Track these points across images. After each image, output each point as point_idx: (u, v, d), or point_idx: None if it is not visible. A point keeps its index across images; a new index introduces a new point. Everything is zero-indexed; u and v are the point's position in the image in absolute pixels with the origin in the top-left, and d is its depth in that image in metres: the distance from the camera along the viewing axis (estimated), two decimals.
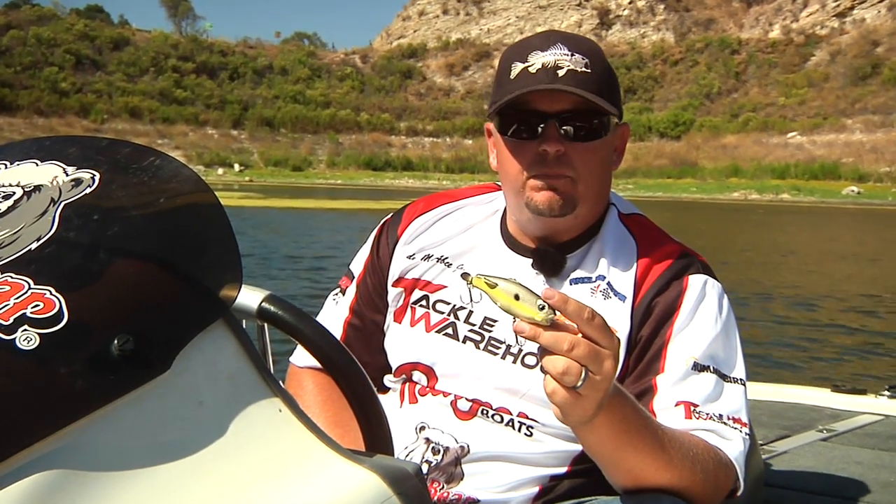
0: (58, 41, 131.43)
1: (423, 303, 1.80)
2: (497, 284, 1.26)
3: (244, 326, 1.12)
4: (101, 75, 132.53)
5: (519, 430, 1.67)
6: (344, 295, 1.90)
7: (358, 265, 1.91)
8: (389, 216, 1.93)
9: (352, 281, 1.90)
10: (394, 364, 1.80)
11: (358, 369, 1.17)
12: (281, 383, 1.12)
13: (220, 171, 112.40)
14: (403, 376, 1.78)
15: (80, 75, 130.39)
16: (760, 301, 14.90)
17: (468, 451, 1.66)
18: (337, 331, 1.86)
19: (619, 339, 1.32)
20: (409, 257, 1.84)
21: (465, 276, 1.41)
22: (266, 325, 1.35)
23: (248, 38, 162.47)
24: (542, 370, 1.28)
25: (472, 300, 1.76)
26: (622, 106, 1.76)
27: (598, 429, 1.39)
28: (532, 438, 1.66)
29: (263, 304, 1.17)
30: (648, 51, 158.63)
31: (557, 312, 1.25)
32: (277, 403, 1.08)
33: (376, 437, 1.17)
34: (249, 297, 1.17)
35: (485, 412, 1.68)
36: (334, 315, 1.89)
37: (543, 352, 1.27)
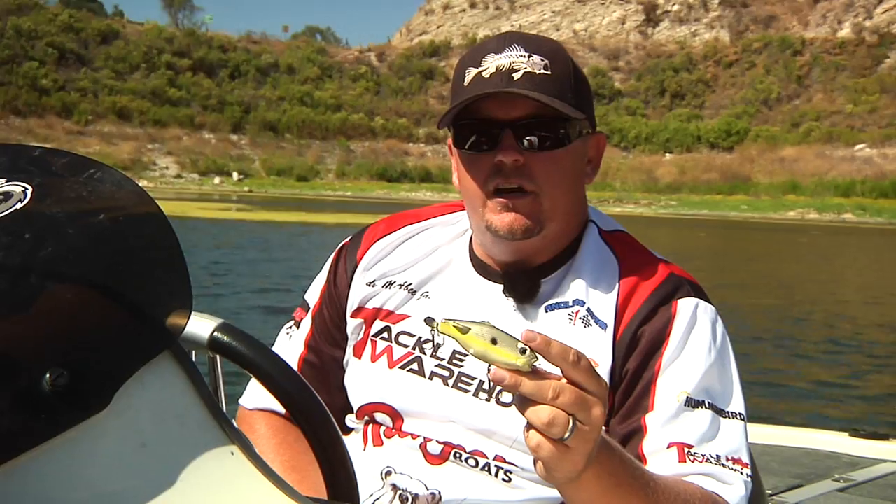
0: (39, 33, 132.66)
1: (385, 335, 1.80)
2: (469, 329, 1.24)
3: (194, 359, 1.13)
4: (86, 72, 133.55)
5: (496, 475, 1.67)
6: (298, 328, 1.91)
7: (313, 295, 1.91)
8: (347, 239, 1.94)
9: (307, 312, 1.91)
10: (355, 404, 1.80)
11: (321, 409, 1.18)
12: (234, 423, 1.13)
13: (217, 180, 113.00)
14: (366, 417, 1.78)
15: (64, 71, 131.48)
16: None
17: (440, 499, 1.66)
18: (294, 362, 1.86)
19: (606, 384, 1.32)
20: (370, 284, 1.84)
21: (428, 320, 1.41)
22: (218, 357, 1.36)
23: (252, 33, 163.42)
24: (526, 425, 1.27)
25: (434, 343, 1.76)
26: (593, 111, 1.77)
27: (587, 486, 1.38)
28: (510, 485, 1.66)
29: (216, 333, 1.19)
30: (700, 51, 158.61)
31: (539, 357, 1.24)
32: (230, 446, 1.08)
33: (340, 485, 1.18)
34: (200, 325, 1.18)
35: (458, 456, 1.68)
36: (288, 350, 1.90)
37: (523, 401, 1.25)
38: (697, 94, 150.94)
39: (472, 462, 1.67)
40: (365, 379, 1.79)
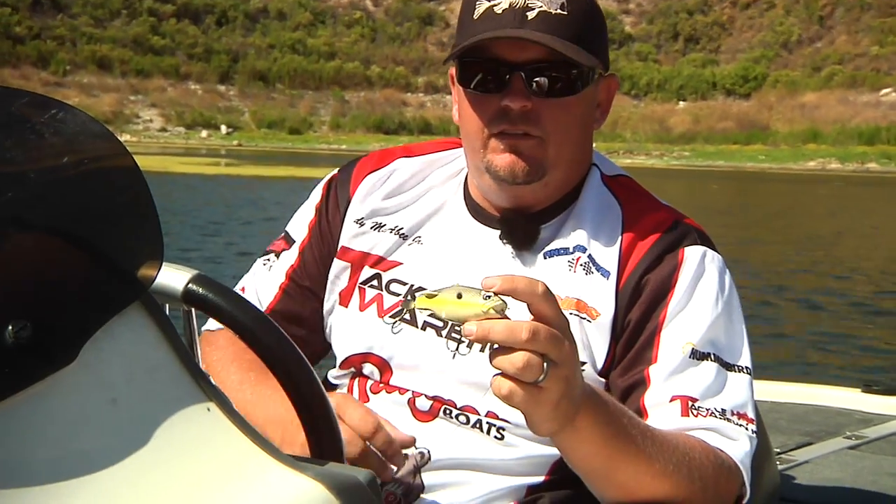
0: None
1: (375, 283, 1.79)
2: (437, 294, 1.28)
3: (167, 312, 1.13)
4: (63, 18, 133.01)
5: (488, 432, 1.67)
6: (279, 259, 1.88)
7: (299, 228, 1.89)
8: (335, 172, 1.92)
9: (290, 245, 1.88)
10: (340, 355, 1.80)
11: (305, 365, 1.18)
12: (211, 379, 1.12)
13: (204, 133, 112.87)
14: (352, 369, 1.78)
15: (39, 18, 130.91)
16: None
17: (429, 459, 1.67)
18: (269, 295, 1.85)
19: (567, 318, 1.34)
20: (358, 222, 1.83)
21: (406, 302, 1.42)
22: (193, 310, 1.36)
23: None
24: (493, 374, 1.29)
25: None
26: (608, 53, 1.76)
27: (581, 438, 1.40)
28: (503, 442, 1.67)
29: (190, 285, 1.18)
30: None
31: (507, 304, 1.27)
32: (206, 402, 1.08)
33: (324, 442, 1.18)
34: (174, 277, 1.18)
35: (448, 412, 1.68)
36: (266, 280, 1.87)
37: (495, 351, 1.27)
38: (713, 38, 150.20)
39: (462, 418, 1.68)
40: (352, 328, 1.78)
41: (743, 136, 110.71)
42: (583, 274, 1.69)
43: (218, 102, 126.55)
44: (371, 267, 1.80)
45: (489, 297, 1.25)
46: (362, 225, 1.83)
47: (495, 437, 1.67)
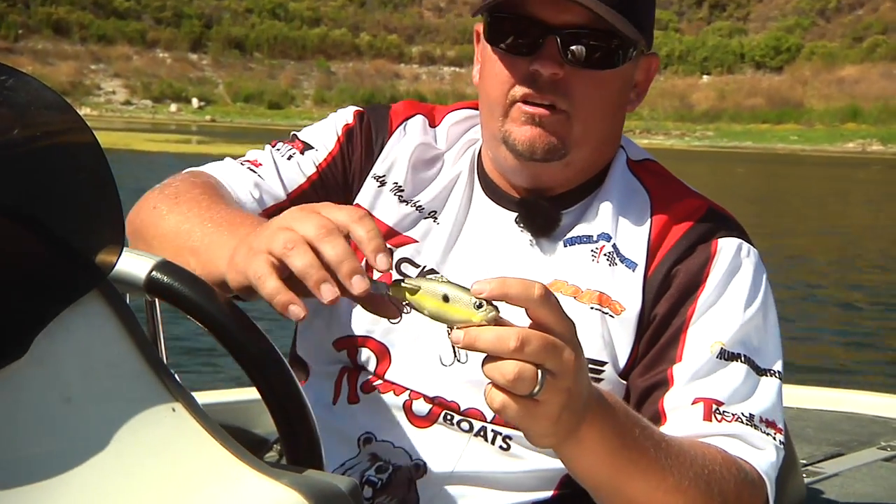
0: None
1: None
2: (419, 288, 1.25)
3: (128, 302, 1.13)
4: None
5: (493, 441, 1.67)
6: (303, 155, 1.83)
7: (319, 145, 1.83)
8: (360, 108, 1.90)
9: (309, 150, 1.83)
10: (334, 334, 1.76)
11: (281, 362, 1.19)
12: (176, 376, 1.12)
13: (174, 107, 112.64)
14: (345, 356, 1.75)
15: None
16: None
17: (425, 471, 1.67)
18: (295, 183, 1.80)
19: (573, 323, 1.30)
20: (379, 180, 1.81)
21: (377, 284, 1.40)
22: (157, 301, 1.37)
23: None
24: (487, 383, 1.26)
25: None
26: (653, 31, 1.76)
27: (586, 449, 1.38)
28: (509, 453, 1.67)
29: (154, 273, 1.19)
30: None
31: (501, 308, 1.24)
32: (171, 402, 1.08)
33: (302, 447, 1.18)
34: (136, 264, 1.18)
35: (448, 418, 1.68)
36: (290, 166, 1.81)
37: (486, 358, 1.24)
38: (741, 5, 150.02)
39: (465, 425, 1.67)
40: (352, 306, 1.74)
41: (773, 114, 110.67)
42: (606, 265, 1.69)
43: (189, 73, 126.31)
44: None
45: (480, 304, 1.23)
46: (382, 184, 1.81)
47: (500, 447, 1.66)
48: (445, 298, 1.24)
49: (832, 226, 24.48)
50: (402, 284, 1.26)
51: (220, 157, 1.84)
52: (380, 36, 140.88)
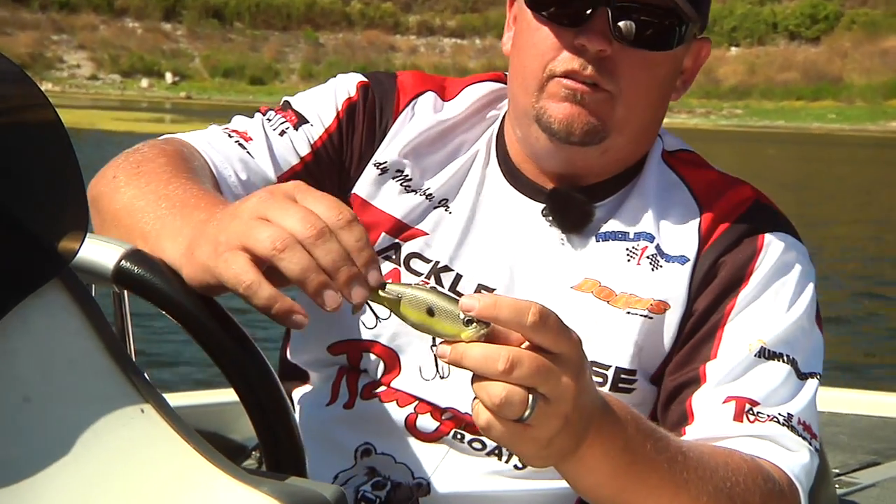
0: None
1: (392, 255, 1.75)
2: (403, 296, 1.23)
3: (93, 293, 1.14)
4: None
5: (507, 460, 1.66)
6: (297, 130, 1.79)
7: (314, 124, 1.79)
8: (364, 79, 1.85)
9: (304, 123, 1.79)
10: (332, 337, 1.74)
11: (260, 360, 1.20)
12: (146, 375, 1.12)
13: (145, 82, 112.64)
14: (344, 359, 1.73)
15: None
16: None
17: (428, 491, 1.66)
18: (287, 164, 1.76)
19: (579, 342, 1.27)
20: (380, 167, 1.78)
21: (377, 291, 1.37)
22: (126, 293, 1.37)
23: None
24: (474, 398, 1.23)
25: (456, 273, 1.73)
26: (709, 11, 1.75)
27: (590, 468, 1.36)
28: (523, 473, 1.66)
29: (123, 262, 1.19)
30: None
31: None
32: (140, 403, 1.08)
33: (283, 452, 1.20)
34: (103, 252, 1.19)
35: (459, 437, 1.67)
36: (282, 143, 1.77)
37: (475, 376, 1.22)
38: None
39: (477, 445, 1.66)
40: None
41: (809, 90, 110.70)
42: (649, 269, 1.69)
43: (162, 44, 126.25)
44: (388, 234, 1.75)
45: (469, 321, 1.20)
46: (384, 172, 1.79)
47: (515, 465, 1.66)
48: (430, 311, 1.22)
49: (873, 216, 24.43)
50: (383, 294, 1.22)
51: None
52: (373, 4, 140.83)
